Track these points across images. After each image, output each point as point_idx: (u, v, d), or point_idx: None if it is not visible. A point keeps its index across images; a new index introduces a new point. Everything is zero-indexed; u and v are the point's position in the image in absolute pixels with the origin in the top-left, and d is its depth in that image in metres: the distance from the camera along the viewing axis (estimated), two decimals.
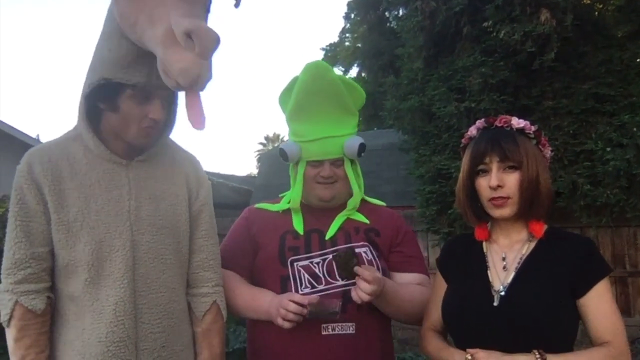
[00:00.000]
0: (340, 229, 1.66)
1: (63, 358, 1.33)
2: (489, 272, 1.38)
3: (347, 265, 1.43)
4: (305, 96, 1.62)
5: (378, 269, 1.57)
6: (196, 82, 1.13)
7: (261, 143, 39.98)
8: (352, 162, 1.69)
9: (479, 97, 5.49)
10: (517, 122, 1.37)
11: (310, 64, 1.61)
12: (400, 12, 10.17)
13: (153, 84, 1.31)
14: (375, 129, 13.21)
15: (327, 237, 1.64)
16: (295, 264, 1.60)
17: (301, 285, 1.56)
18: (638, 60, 5.54)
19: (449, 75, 5.88)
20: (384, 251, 1.66)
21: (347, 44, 18.39)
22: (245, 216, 1.77)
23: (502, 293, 1.32)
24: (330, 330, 1.51)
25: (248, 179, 16.40)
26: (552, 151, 1.43)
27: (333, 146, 1.63)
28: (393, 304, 1.53)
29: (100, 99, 1.35)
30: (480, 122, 1.43)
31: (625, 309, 5.65)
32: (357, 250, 1.54)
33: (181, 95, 1.35)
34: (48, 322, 1.33)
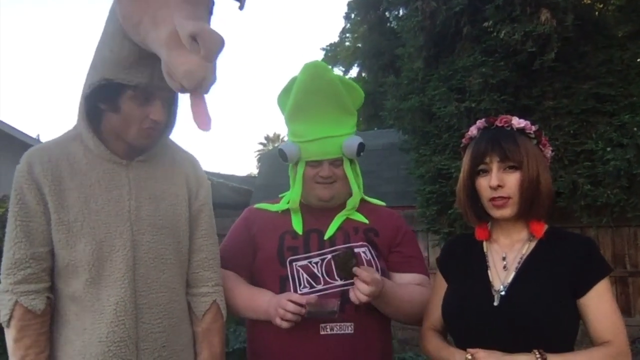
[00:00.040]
0: (339, 229, 1.66)
1: (63, 358, 1.33)
2: (489, 271, 1.38)
3: (345, 266, 1.43)
4: (303, 96, 1.62)
5: (377, 269, 1.57)
6: (201, 85, 1.13)
7: (261, 143, 40.00)
8: (351, 162, 1.69)
9: (480, 97, 5.49)
10: (517, 122, 1.37)
11: (308, 64, 1.61)
12: (401, 12, 10.17)
13: (154, 85, 1.31)
14: (375, 129, 13.21)
15: (326, 237, 1.64)
16: (294, 263, 1.60)
17: (300, 285, 1.56)
18: (638, 60, 5.54)
19: (449, 75, 5.89)
20: (383, 251, 1.66)
21: (347, 44, 18.39)
22: (244, 216, 1.78)
23: (503, 293, 1.32)
24: (328, 330, 1.51)
25: (248, 179, 16.40)
26: (552, 151, 1.43)
27: (332, 146, 1.63)
28: (392, 304, 1.53)
29: (100, 99, 1.35)
30: (480, 122, 1.43)
31: (625, 309, 5.66)
32: (355, 250, 1.54)
33: (184, 97, 1.34)
34: (48, 322, 1.33)
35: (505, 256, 1.38)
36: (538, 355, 1.19)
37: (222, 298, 1.53)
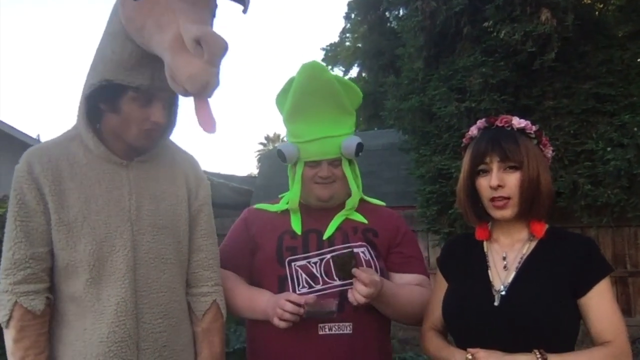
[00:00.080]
0: (338, 229, 1.66)
1: (64, 358, 1.33)
2: (489, 271, 1.38)
3: (345, 267, 1.43)
4: (301, 97, 1.62)
5: (376, 269, 1.57)
6: (204, 89, 1.14)
7: (261, 143, 40.00)
8: (350, 162, 1.69)
9: (480, 97, 5.49)
10: (518, 122, 1.37)
11: (305, 64, 1.61)
12: (401, 12, 10.19)
13: (155, 87, 1.31)
14: (375, 129, 13.23)
15: (325, 237, 1.64)
16: (292, 263, 1.60)
17: (299, 285, 1.56)
18: (639, 60, 5.54)
19: (449, 75, 5.88)
20: (382, 251, 1.66)
21: (347, 44, 18.39)
22: (244, 217, 1.78)
23: (503, 293, 1.31)
24: (327, 330, 1.51)
25: (248, 179, 16.40)
26: (553, 151, 1.43)
27: (330, 146, 1.63)
28: (392, 305, 1.53)
29: (101, 99, 1.35)
30: (481, 122, 1.43)
31: (626, 309, 5.65)
32: (355, 250, 1.54)
33: (186, 98, 1.34)
34: (47, 322, 1.32)
35: (506, 256, 1.38)
36: (538, 355, 1.19)
37: (222, 298, 1.53)
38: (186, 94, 1.16)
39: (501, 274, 1.36)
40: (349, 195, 1.68)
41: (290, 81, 1.67)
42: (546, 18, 5.08)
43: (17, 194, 1.30)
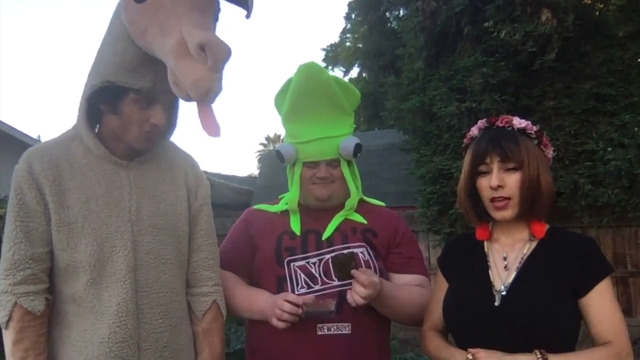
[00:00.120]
0: (337, 229, 1.66)
1: (64, 359, 1.32)
2: (490, 271, 1.38)
3: (344, 268, 1.43)
4: (299, 97, 1.62)
5: (375, 269, 1.57)
6: (207, 95, 1.14)
7: (262, 143, 40.03)
8: (349, 162, 1.69)
9: (480, 97, 5.49)
10: (518, 122, 1.37)
11: (302, 65, 1.60)
12: (401, 13, 10.19)
13: (157, 90, 1.31)
14: (376, 129, 13.23)
15: (323, 238, 1.64)
16: (291, 264, 1.60)
17: (297, 286, 1.56)
18: (639, 60, 5.54)
19: (449, 76, 5.89)
20: (382, 252, 1.66)
21: (348, 44, 18.40)
22: (243, 218, 1.78)
23: (504, 293, 1.31)
24: (325, 330, 1.51)
25: (249, 179, 16.42)
26: (553, 151, 1.43)
27: (329, 147, 1.63)
28: (391, 306, 1.53)
29: (102, 100, 1.34)
30: (481, 122, 1.43)
31: (626, 309, 5.65)
32: (354, 250, 1.55)
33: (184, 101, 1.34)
34: (46, 323, 1.32)
35: (506, 256, 1.38)
36: (539, 356, 1.19)
37: (222, 297, 1.53)
38: (189, 99, 1.16)
39: (502, 274, 1.36)
40: (348, 195, 1.68)
41: (288, 82, 1.67)
42: (547, 18, 5.08)
43: (17, 194, 1.30)
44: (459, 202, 1.45)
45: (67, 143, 1.39)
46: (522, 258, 1.35)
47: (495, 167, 1.33)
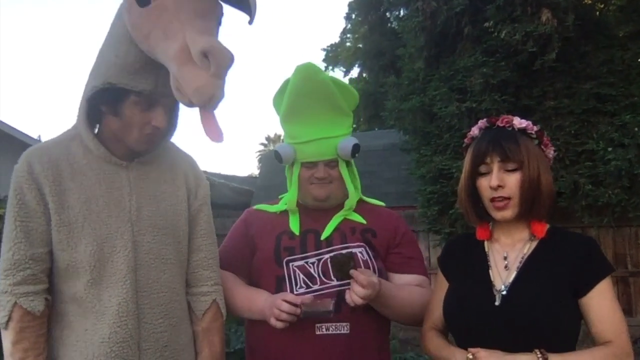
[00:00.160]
0: (336, 229, 1.66)
1: (64, 359, 1.32)
2: (490, 271, 1.38)
3: (343, 267, 1.43)
4: (296, 98, 1.62)
5: (374, 269, 1.57)
6: (210, 101, 1.14)
7: (262, 143, 39.98)
8: (347, 163, 1.69)
9: (480, 98, 5.50)
10: (519, 122, 1.37)
11: (300, 66, 1.60)
12: (401, 13, 10.18)
13: (159, 92, 1.30)
14: (376, 129, 13.24)
15: (322, 238, 1.64)
16: (290, 264, 1.60)
17: (296, 285, 1.56)
18: (639, 60, 5.54)
19: (450, 76, 5.89)
20: (381, 252, 1.65)
21: (348, 44, 18.40)
22: (243, 218, 1.78)
23: (504, 292, 1.31)
24: (324, 330, 1.51)
25: (249, 179, 16.43)
26: (554, 151, 1.42)
27: (327, 147, 1.63)
28: (390, 306, 1.53)
29: (102, 102, 1.34)
30: (482, 122, 1.43)
31: (627, 309, 5.66)
32: (352, 250, 1.55)
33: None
34: (46, 324, 1.32)
35: (507, 256, 1.38)
36: (539, 355, 1.19)
37: (221, 297, 1.53)
38: (191, 105, 1.17)
39: (502, 274, 1.36)
40: (347, 196, 1.68)
41: (286, 83, 1.66)
42: (547, 18, 5.08)
43: (17, 194, 1.30)
44: (460, 201, 1.45)
45: (67, 143, 1.38)
46: (522, 258, 1.35)
47: (495, 167, 1.33)
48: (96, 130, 1.41)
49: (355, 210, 1.70)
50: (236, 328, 4.14)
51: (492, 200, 1.34)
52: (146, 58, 1.25)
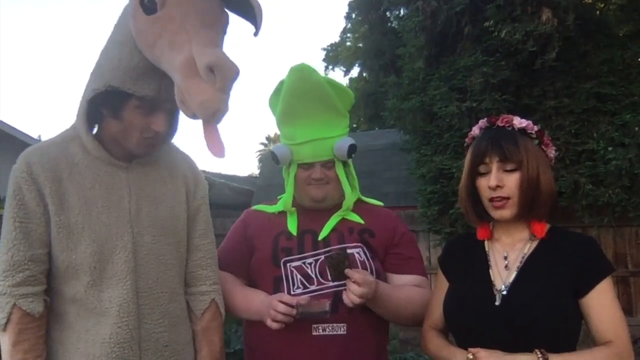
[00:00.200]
0: (333, 229, 1.66)
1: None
2: (490, 271, 1.38)
3: (338, 267, 1.43)
4: (291, 99, 1.62)
5: (371, 270, 1.57)
6: (214, 115, 1.14)
7: (262, 143, 39.95)
8: (344, 163, 1.69)
9: (481, 97, 5.50)
10: (519, 122, 1.36)
11: (294, 67, 1.60)
12: (402, 12, 10.15)
13: (161, 98, 1.30)
14: (376, 129, 13.22)
15: (320, 238, 1.64)
16: (288, 264, 1.60)
17: (293, 286, 1.57)
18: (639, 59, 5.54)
19: (450, 75, 5.89)
20: (379, 252, 1.65)
21: (348, 43, 18.39)
22: (242, 219, 1.79)
23: (504, 292, 1.31)
24: (321, 330, 1.51)
25: (250, 179, 16.44)
26: (555, 151, 1.42)
27: (323, 148, 1.63)
28: (389, 306, 1.53)
29: (103, 104, 1.33)
30: (482, 122, 1.43)
31: (627, 309, 5.66)
32: (350, 251, 1.54)
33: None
34: (45, 325, 1.31)
35: (507, 255, 1.38)
36: (540, 355, 1.19)
37: (220, 296, 1.53)
38: (195, 118, 1.16)
39: (502, 274, 1.35)
40: (344, 196, 1.67)
41: (281, 84, 1.66)
42: (547, 17, 5.08)
43: (16, 195, 1.29)
44: (460, 201, 1.45)
45: (66, 144, 1.38)
46: (522, 257, 1.35)
47: (494, 167, 1.33)
48: (95, 131, 1.41)
49: (353, 210, 1.69)
50: (236, 328, 4.14)
51: (491, 200, 1.34)
52: (150, 64, 1.25)
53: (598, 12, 6.20)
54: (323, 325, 1.51)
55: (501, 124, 1.38)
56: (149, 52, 1.22)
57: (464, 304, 1.37)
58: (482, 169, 1.36)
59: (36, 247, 1.29)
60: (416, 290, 1.61)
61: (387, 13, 13.93)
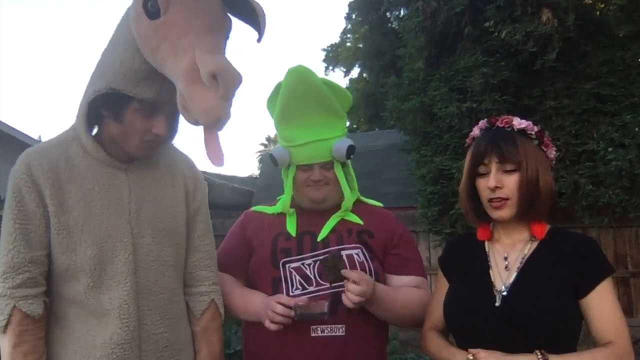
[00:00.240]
0: (332, 230, 1.65)
1: None
2: (490, 271, 1.38)
3: (334, 269, 1.43)
4: (289, 101, 1.61)
5: (370, 271, 1.57)
6: (216, 123, 1.14)
7: (262, 144, 39.94)
8: (343, 164, 1.69)
9: (481, 98, 5.50)
10: (518, 123, 1.36)
11: (291, 68, 1.60)
12: (402, 13, 10.16)
13: (161, 100, 1.30)
14: (376, 129, 13.22)
15: (319, 239, 1.64)
16: (287, 265, 1.60)
17: (292, 287, 1.56)
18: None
19: (450, 76, 5.89)
20: (378, 253, 1.65)
21: (348, 44, 18.40)
22: (241, 219, 1.79)
23: (504, 293, 1.31)
24: (319, 332, 1.51)
25: (250, 179, 16.44)
26: (556, 151, 1.42)
27: (321, 150, 1.63)
28: (388, 308, 1.53)
29: (104, 106, 1.33)
30: (482, 123, 1.43)
31: (627, 310, 5.65)
32: (348, 252, 1.55)
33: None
34: (45, 327, 1.31)
35: (507, 256, 1.38)
36: (540, 356, 1.19)
37: (219, 297, 1.53)
38: (197, 124, 1.16)
39: (502, 274, 1.35)
40: (343, 197, 1.67)
41: (278, 86, 1.66)
42: (547, 18, 5.08)
43: (16, 196, 1.29)
44: (461, 202, 1.45)
45: (66, 145, 1.37)
46: (522, 258, 1.35)
47: (493, 168, 1.33)
48: (94, 132, 1.41)
49: (352, 211, 1.69)
50: (236, 329, 4.14)
51: (490, 200, 1.34)
52: (151, 67, 1.24)
53: (598, 12, 6.20)
54: (322, 326, 1.51)
55: (501, 125, 1.38)
56: (151, 56, 1.21)
57: (464, 304, 1.37)
58: (481, 169, 1.36)
59: (36, 249, 1.29)
60: (415, 292, 1.61)
61: (387, 14, 13.94)
